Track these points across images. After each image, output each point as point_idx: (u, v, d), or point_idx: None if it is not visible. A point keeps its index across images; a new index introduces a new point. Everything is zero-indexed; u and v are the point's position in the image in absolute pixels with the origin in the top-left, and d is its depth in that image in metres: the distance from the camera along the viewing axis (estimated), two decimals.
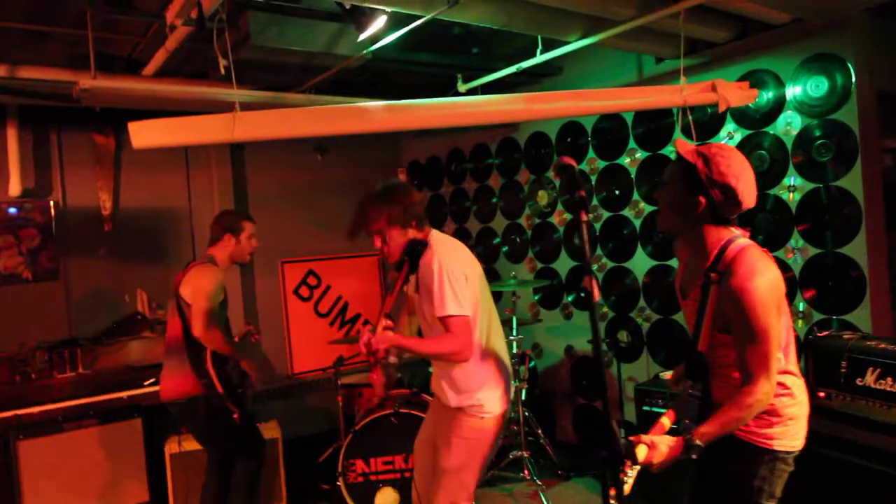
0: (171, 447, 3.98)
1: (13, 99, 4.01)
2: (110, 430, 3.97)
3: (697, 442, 1.84)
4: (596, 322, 1.55)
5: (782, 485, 2.03)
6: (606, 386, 1.58)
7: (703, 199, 1.98)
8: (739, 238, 2.02)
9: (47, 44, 3.60)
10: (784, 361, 2.04)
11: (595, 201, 4.82)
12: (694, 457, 1.84)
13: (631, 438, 1.86)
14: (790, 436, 2.04)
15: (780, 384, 2.02)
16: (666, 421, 2.06)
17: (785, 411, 2.03)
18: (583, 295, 4.91)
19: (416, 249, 2.64)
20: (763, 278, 1.90)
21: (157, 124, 2.91)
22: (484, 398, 2.64)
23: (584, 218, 1.55)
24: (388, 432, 3.78)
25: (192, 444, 4.00)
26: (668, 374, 3.37)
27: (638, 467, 1.79)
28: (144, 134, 2.90)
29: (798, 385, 2.09)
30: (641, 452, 1.81)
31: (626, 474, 1.77)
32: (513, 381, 2.82)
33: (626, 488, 1.76)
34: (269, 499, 4.13)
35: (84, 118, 4.59)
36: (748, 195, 1.99)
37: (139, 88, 3.66)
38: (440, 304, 2.53)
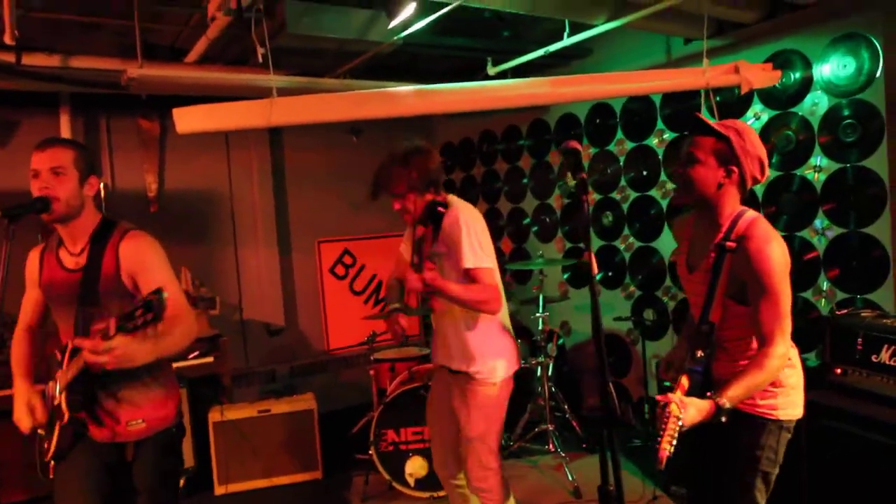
0: (214, 416, 4.23)
1: (66, 87, 4.25)
2: None
3: (727, 404, 1.86)
4: (595, 292, 1.66)
5: (783, 451, 2.12)
6: (604, 350, 1.69)
7: (735, 169, 2.09)
8: (748, 211, 2.13)
9: (97, 34, 3.82)
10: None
11: (623, 181, 4.88)
12: (724, 420, 1.85)
13: (658, 398, 1.86)
14: (792, 405, 2.13)
15: None
16: (685, 382, 2.03)
17: (787, 381, 2.11)
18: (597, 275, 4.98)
19: (437, 211, 2.67)
20: (778, 246, 2.01)
21: (199, 110, 3.11)
22: (495, 364, 2.71)
23: (585, 199, 1.66)
24: (417, 404, 3.91)
25: (233, 413, 4.24)
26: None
27: (678, 428, 1.73)
28: (188, 119, 3.10)
29: (796, 355, 2.18)
30: (675, 410, 1.79)
31: (672, 436, 1.73)
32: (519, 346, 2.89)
33: (669, 450, 1.72)
34: (305, 468, 4.36)
35: (131, 104, 4.82)
36: (767, 168, 2.16)
37: (182, 76, 3.86)
38: (470, 256, 2.57)
